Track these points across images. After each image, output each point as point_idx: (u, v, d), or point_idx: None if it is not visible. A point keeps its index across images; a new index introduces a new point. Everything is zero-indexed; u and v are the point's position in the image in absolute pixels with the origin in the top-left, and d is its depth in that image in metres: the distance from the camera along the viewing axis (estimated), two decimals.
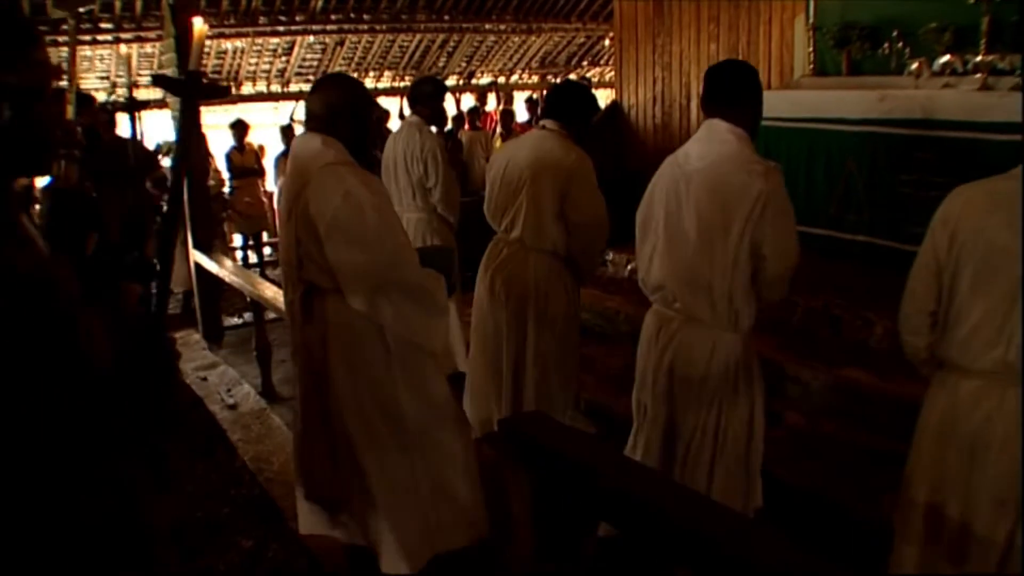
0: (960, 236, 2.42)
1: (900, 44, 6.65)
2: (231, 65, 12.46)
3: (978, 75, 5.83)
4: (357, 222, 2.83)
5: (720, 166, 2.93)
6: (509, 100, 14.04)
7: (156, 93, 11.24)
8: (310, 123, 3.05)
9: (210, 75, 12.12)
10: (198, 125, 1.96)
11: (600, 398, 5.03)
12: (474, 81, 15.26)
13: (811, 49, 7.06)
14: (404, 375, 3.01)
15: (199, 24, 2.01)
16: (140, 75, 11.88)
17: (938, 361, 2.60)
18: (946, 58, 6.02)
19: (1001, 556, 2.39)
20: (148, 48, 11.45)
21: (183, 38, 6.67)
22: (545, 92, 12.12)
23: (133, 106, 11.68)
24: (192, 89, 2.03)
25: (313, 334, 3.01)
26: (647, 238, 3.23)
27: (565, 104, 4.19)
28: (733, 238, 2.89)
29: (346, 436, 2.98)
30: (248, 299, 6.26)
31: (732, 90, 3.05)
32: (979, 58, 5.87)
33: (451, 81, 14.57)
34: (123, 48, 11.44)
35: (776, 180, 2.90)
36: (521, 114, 12.78)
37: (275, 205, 9.83)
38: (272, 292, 5.50)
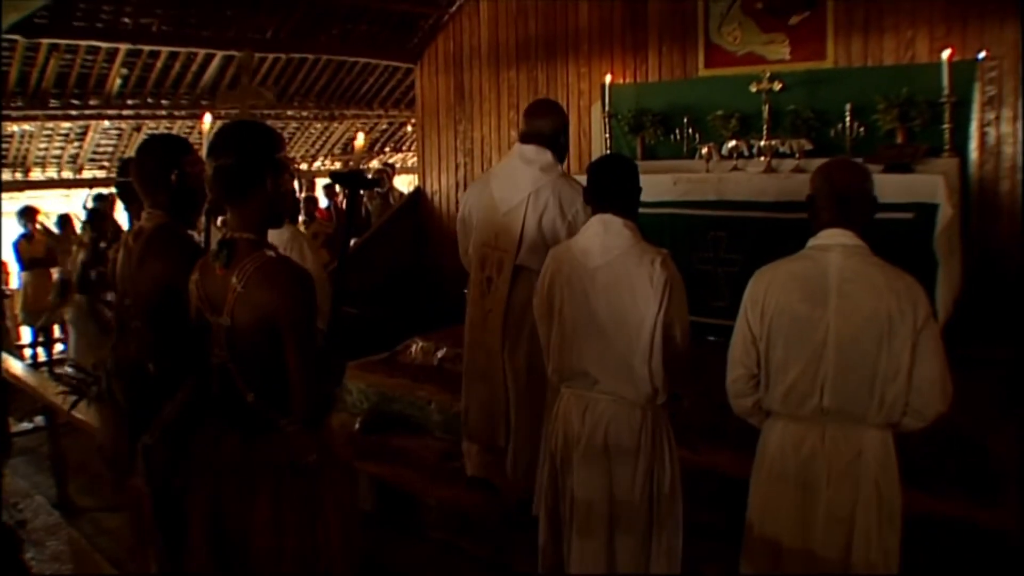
0: (768, 311, 2.81)
1: (691, 130, 6.99)
2: (19, 149, 11.62)
3: (762, 158, 6.16)
4: None
5: (624, 260, 3.16)
6: (311, 187, 13.84)
7: None
8: (534, 139, 4.03)
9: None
10: (358, 210, 2.86)
11: (414, 488, 4.83)
12: None
13: (607, 135, 7.30)
14: None
15: (360, 139, 3.20)
16: None
17: (766, 412, 2.94)
18: (733, 143, 6.35)
19: (843, 568, 2.76)
20: None
21: None
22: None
23: None
24: (356, 182, 2.80)
25: (517, 299, 3.99)
26: (552, 330, 3.35)
27: None
28: (648, 326, 3.10)
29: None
30: (39, 403, 5.70)
31: (622, 185, 3.29)
32: (763, 142, 6.22)
33: None
34: None
35: (672, 266, 3.16)
36: (323, 200, 12.60)
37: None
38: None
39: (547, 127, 4.06)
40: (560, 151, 4.08)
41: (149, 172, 3.12)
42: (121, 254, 3.22)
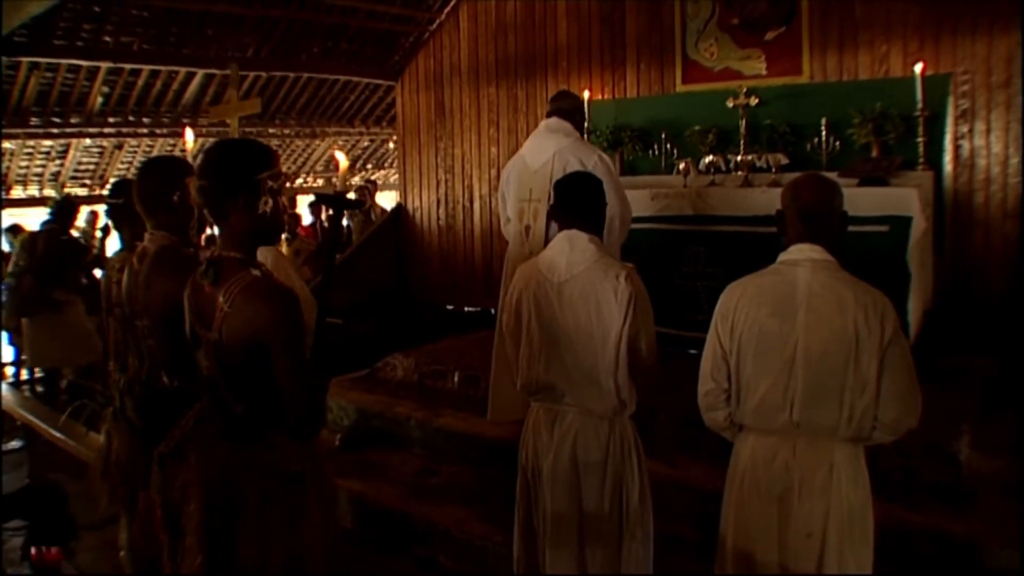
0: (739, 326, 2.84)
1: (668, 145, 7.03)
2: None
3: (739, 173, 6.21)
4: (609, 174, 4.61)
5: (589, 276, 3.20)
6: (293, 204, 13.81)
7: None
8: (556, 114, 4.95)
9: None
10: (341, 229, 2.87)
11: (393, 504, 4.82)
12: None
13: None
14: None
15: (343, 158, 3.00)
16: None
17: (738, 426, 2.96)
18: (710, 158, 6.40)
19: None
20: None
21: None
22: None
23: None
24: (340, 203, 2.78)
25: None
26: (521, 345, 3.38)
27: None
28: (612, 340, 3.13)
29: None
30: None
31: (587, 202, 3.34)
32: (739, 157, 6.27)
33: None
34: None
35: (638, 280, 3.18)
36: (307, 217, 12.58)
37: None
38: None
39: (567, 105, 5.01)
40: (578, 125, 5.03)
41: (151, 194, 3.21)
42: (127, 275, 3.29)
